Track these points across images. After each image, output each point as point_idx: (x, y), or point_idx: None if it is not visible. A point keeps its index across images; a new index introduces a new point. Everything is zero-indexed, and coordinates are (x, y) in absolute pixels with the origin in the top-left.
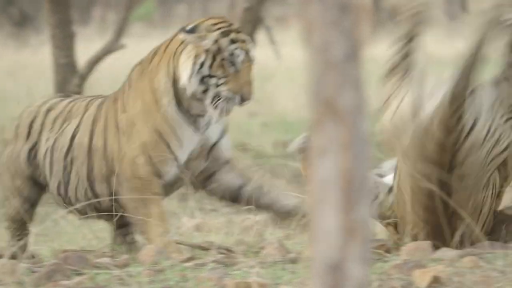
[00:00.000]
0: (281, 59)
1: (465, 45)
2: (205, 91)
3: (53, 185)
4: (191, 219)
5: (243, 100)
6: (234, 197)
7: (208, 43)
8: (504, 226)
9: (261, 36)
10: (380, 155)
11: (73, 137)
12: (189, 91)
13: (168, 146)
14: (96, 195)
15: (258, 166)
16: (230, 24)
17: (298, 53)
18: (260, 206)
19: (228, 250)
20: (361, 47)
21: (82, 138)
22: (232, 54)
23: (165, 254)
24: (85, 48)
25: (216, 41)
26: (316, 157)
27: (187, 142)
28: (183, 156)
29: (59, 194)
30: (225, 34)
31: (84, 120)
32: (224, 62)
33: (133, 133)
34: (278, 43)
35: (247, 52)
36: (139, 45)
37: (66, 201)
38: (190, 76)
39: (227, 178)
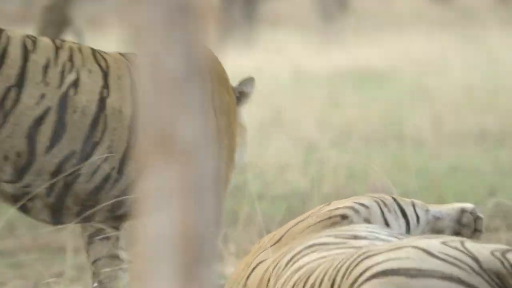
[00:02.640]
0: None
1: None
2: None
3: (54, 154)
4: None
5: None
6: None
7: None
8: None
9: None
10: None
11: (102, 99)
12: None
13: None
14: (122, 176)
15: None
16: None
17: None
18: None
19: None
20: (205, 60)
21: (118, 104)
22: None
23: None
24: None
25: None
26: (147, 208)
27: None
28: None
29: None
30: None
31: (112, 82)
32: None
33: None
34: None
35: None
36: None
37: (66, 181)
38: None
39: None
